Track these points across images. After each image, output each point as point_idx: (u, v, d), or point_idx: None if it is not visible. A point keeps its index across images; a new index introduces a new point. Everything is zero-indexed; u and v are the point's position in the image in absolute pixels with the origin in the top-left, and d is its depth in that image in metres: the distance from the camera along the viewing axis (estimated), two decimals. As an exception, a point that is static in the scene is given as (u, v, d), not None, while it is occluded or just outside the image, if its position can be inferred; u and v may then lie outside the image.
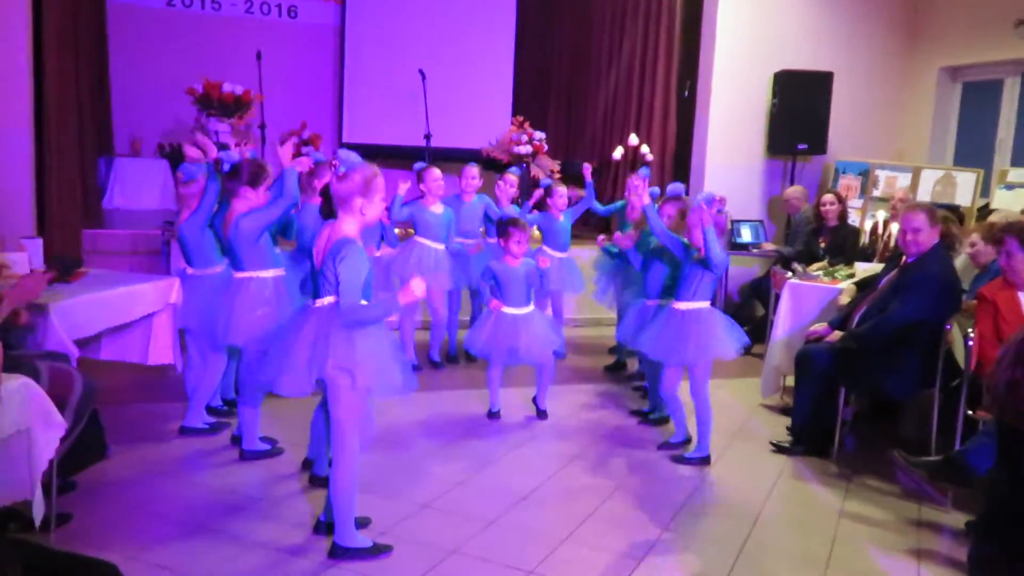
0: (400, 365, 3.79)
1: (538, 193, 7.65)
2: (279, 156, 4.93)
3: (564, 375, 7.22)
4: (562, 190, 7.46)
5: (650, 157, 8.91)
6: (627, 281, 6.70)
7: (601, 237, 6.97)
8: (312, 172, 5.96)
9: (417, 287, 3.68)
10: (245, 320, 4.83)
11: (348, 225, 3.75)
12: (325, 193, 3.80)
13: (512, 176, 7.61)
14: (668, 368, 5.38)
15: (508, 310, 5.80)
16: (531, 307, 5.87)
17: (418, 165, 7.06)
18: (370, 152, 6.57)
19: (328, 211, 3.80)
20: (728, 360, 5.23)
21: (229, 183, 4.88)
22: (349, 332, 3.68)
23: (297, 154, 8.29)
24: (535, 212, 7.77)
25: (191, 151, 5.33)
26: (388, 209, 6.58)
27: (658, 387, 5.60)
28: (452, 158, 10.25)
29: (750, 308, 9.46)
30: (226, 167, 4.86)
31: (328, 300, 3.74)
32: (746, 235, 9.45)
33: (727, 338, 5.17)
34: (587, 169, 7.63)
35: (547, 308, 7.47)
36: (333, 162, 3.83)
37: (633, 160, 10.29)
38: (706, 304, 5.26)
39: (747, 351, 5.39)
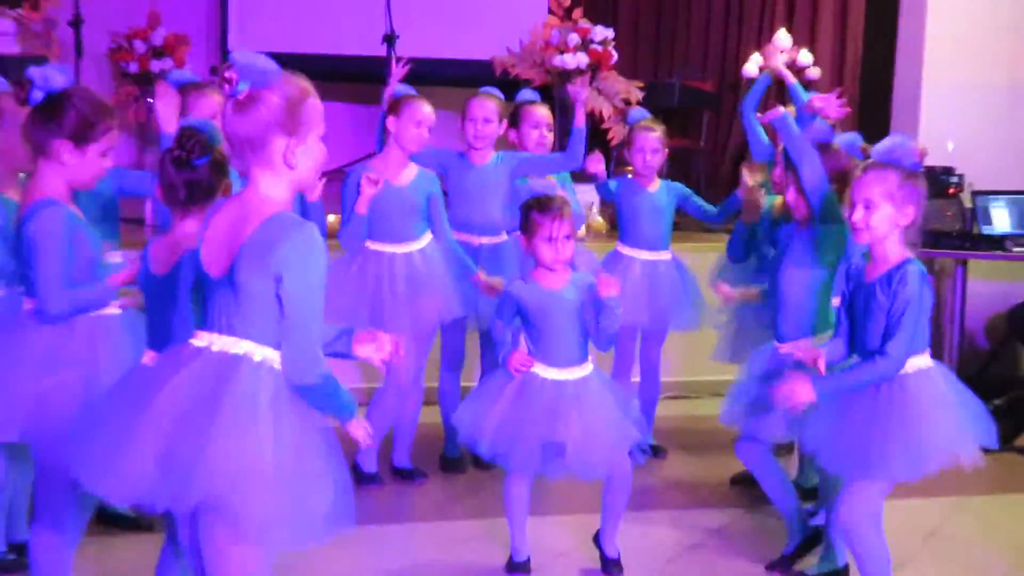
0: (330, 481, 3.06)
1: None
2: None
3: (651, 493, 5.77)
4: (650, 138, 5.60)
5: (814, 73, 7.96)
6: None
7: None
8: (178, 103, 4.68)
9: (382, 348, 2.98)
10: (36, 392, 3.67)
11: (271, 188, 2.91)
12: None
13: (539, 110, 5.57)
14: (857, 484, 4.08)
15: (545, 371, 4.61)
16: (588, 366, 4.68)
17: (399, 90, 5.13)
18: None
19: (195, 193, 3.26)
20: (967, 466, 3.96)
21: (36, 131, 3.75)
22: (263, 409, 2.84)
23: (144, 75, 7.79)
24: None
25: None
26: (343, 191, 4.97)
27: (833, 518, 4.42)
28: (436, 79, 7.61)
29: (1010, 359, 7.22)
30: (37, 97, 3.69)
31: (219, 341, 2.86)
32: (1000, 221, 6.80)
33: (963, 428, 3.96)
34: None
35: (631, 370, 5.78)
36: (226, 75, 2.86)
37: (782, 82, 8.52)
38: (924, 359, 3.94)
39: (1005, 446, 4.75)
